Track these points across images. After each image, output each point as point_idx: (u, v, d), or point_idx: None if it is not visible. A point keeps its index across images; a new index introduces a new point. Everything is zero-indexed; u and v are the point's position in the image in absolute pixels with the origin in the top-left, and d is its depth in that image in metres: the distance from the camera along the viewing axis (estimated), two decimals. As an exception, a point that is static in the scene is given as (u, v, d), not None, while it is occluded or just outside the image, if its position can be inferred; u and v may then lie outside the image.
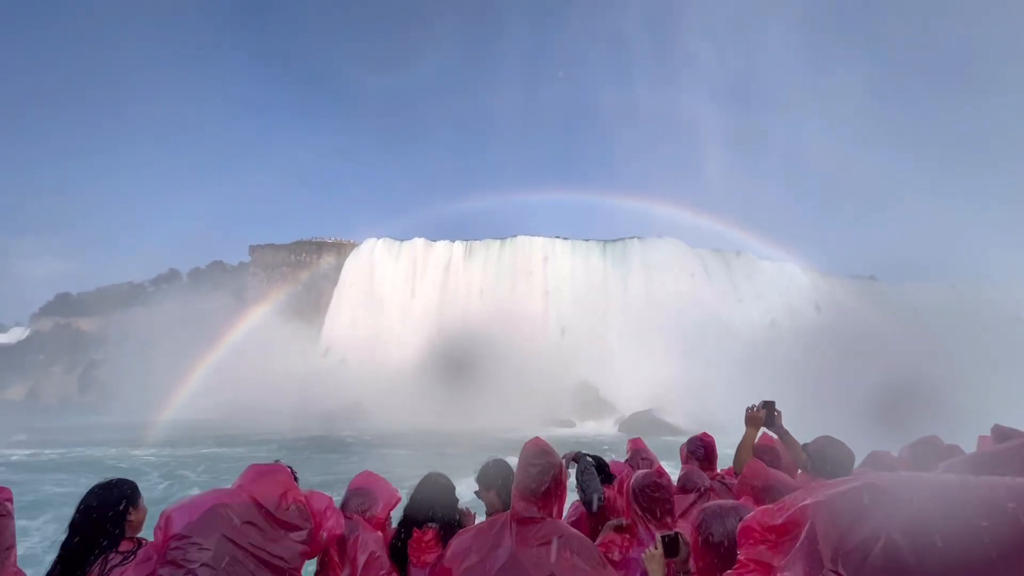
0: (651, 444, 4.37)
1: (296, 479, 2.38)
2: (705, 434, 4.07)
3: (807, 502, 0.67)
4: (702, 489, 3.29)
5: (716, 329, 44.43)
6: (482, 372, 45.37)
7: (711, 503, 2.16)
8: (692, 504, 3.24)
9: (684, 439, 4.19)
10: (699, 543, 2.03)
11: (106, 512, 2.18)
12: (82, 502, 2.22)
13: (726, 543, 1.89)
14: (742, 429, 3.41)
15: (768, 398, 3.46)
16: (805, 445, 3.06)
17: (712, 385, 35.53)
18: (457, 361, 48.14)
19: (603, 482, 3.26)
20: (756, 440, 3.43)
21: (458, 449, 25.35)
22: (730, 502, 2.18)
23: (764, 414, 3.37)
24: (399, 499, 2.95)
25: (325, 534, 2.30)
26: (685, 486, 3.35)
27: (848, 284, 65.84)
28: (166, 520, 2.00)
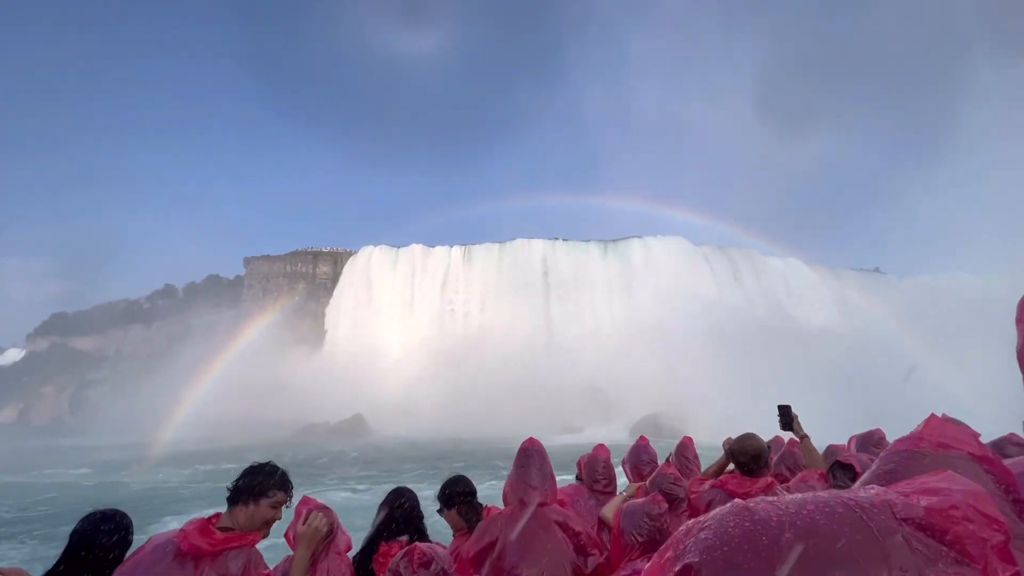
0: (662, 447, 3.86)
1: (288, 483, 2.34)
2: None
3: (684, 562, 0.64)
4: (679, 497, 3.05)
5: (724, 327, 43.48)
6: (485, 379, 44.40)
7: None
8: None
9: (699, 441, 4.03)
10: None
11: (104, 543, 2.17)
12: (80, 531, 2.19)
13: None
14: (754, 426, 3.29)
15: (772, 394, 3.20)
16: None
17: (723, 384, 34.56)
18: (459, 368, 47.21)
19: None
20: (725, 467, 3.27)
21: (466, 461, 24.30)
22: None
23: (779, 421, 3.28)
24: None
25: None
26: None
27: (854, 278, 65.15)
28: None
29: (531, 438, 2.78)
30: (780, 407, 3.31)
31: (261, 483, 2.29)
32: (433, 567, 1.91)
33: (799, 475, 3.42)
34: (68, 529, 2.23)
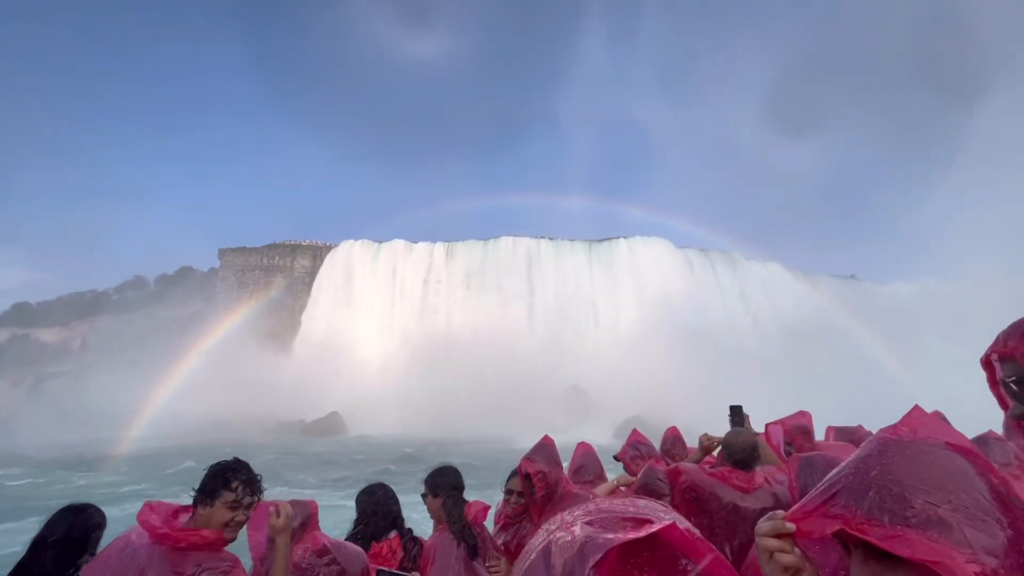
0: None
1: (245, 480, 2.21)
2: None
3: (835, 489, 0.77)
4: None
5: (706, 329, 43.73)
6: (466, 377, 43.81)
7: None
8: None
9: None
10: None
11: (77, 537, 2.17)
12: (50, 523, 2.18)
13: None
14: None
15: (755, 395, 3.04)
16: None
17: (705, 385, 34.64)
18: (440, 367, 46.48)
19: None
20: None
21: (445, 461, 23.54)
22: None
23: (729, 420, 3.45)
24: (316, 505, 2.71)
25: None
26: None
27: (830, 283, 66.37)
28: None
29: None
30: (732, 407, 3.51)
31: (211, 483, 2.20)
32: (326, 559, 1.92)
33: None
34: None
